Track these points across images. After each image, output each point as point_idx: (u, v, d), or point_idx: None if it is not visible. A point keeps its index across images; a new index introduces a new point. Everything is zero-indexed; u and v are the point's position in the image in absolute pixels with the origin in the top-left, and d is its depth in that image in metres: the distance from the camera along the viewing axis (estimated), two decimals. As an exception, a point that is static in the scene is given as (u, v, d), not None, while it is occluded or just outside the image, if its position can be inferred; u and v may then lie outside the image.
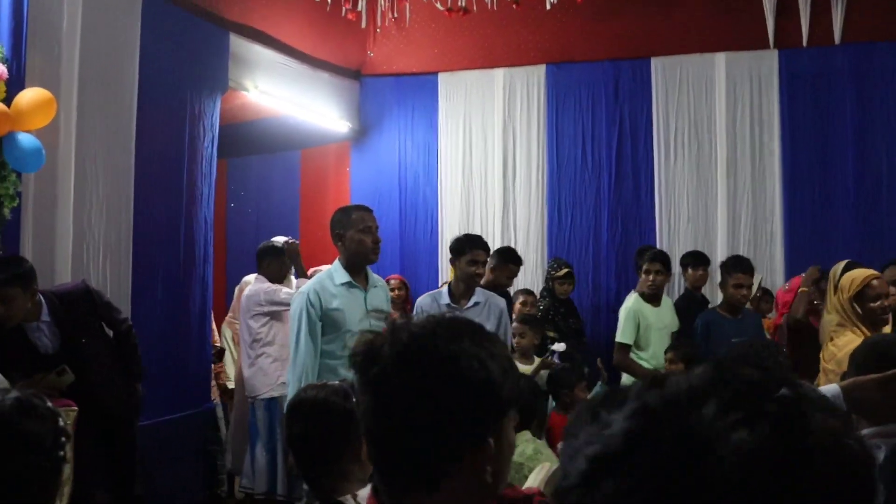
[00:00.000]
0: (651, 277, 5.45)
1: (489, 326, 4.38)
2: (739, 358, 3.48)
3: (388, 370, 1.17)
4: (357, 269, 4.07)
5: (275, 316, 5.64)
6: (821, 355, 3.95)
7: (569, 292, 6.49)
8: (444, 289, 4.79)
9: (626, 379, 5.45)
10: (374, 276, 4.23)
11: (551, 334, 5.91)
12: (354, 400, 1.95)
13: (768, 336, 5.61)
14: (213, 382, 6.05)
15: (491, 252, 6.28)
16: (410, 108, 7.73)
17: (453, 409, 1.14)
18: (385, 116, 7.80)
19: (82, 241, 4.73)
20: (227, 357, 6.32)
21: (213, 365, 6.00)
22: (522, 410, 3.59)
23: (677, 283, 6.50)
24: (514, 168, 7.43)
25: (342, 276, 4.03)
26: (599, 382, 5.58)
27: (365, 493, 1.76)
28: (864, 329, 3.81)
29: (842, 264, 4.49)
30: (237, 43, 6.08)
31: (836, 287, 4.07)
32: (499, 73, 7.49)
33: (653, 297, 5.49)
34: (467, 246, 4.69)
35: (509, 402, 1.20)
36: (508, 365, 1.21)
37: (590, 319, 6.90)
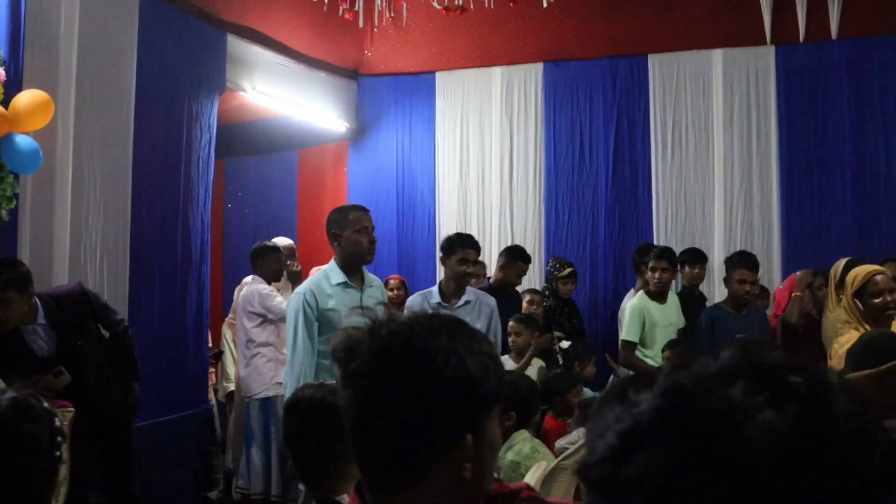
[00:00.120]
0: (657, 275, 5.42)
1: (479, 325, 4.40)
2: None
3: (366, 365, 1.18)
4: (353, 269, 4.08)
5: (269, 317, 5.66)
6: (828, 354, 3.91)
7: (571, 292, 6.49)
8: (435, 288, 4.77)
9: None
10: (371, 276, 4.23)
11: (558, 334, 5.89)
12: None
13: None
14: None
15: (500, 251, 6.32)
16: (408, 107, 7.72)
17: (429, 404, 1.15)
18: (382, 116, 7.79)
19: (79, 242, 4.73)
20: (228, 358, 6.32)
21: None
22: (521, 410, 3.60)
23: (675, 280, 6.49)
24: (511, 166, 7.42)
25: (338, 276, 4.04)
26: (612, 377, 5.58)
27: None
28: (866, 326, 3.77)
29: (842, 262, 4.46)
30: (234, 43, 6.08)
31: (837, 285, 4.05)
32: (496, 72, 7.48)
33: (659, 295, 5.47)
34: (458, 245, 4.68)
35: (490, 398, 1.20)
36: (491, 362, 1.21)
37: (587, 317, 6.87)
